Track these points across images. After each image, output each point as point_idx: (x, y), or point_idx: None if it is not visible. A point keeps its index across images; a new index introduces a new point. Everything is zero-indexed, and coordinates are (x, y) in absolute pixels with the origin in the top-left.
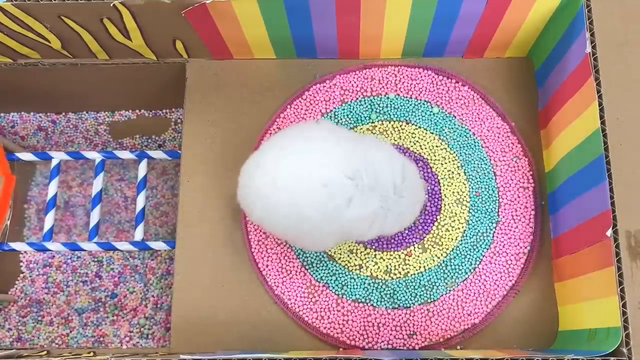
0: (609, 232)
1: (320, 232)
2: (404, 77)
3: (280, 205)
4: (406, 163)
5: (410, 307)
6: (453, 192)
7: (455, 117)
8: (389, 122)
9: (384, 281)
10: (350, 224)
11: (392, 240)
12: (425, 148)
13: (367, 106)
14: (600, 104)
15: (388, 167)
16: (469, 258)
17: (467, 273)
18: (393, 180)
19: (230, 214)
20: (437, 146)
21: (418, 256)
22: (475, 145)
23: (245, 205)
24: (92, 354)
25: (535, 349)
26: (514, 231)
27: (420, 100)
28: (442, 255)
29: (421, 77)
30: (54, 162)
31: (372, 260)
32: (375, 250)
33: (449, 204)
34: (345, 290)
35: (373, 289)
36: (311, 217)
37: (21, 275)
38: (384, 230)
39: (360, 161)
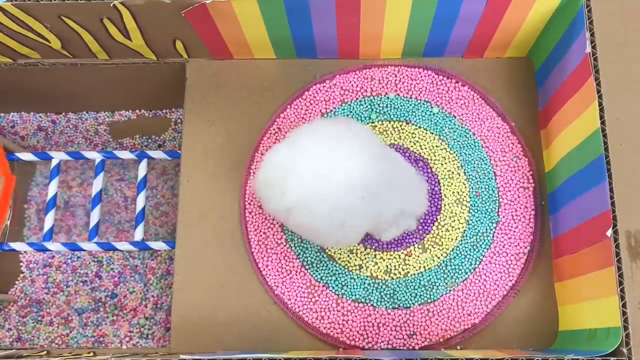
0: (609, 232)
1: (354, 223)
2: (404, 77)
3: (321, 193)
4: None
5: (410, 307)
6: (453, 192)
7: (455, 117)
8: (389, 122)
9: (384, 281)
10: (379, 214)
11: (392, 240)
12: (425, 148)
13: (367, 106)
14: (600, 104)
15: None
16: (469, 258)
17: (467, 273)
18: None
19: (230, 214)
20: (437, 146)
21: (418, 256)
22: (475, 145)
23: (274, 191)
24: (92, 354)
25: (535, 349)
26: (514, 231)
27: (420, 100)
28: (442, 255)
29: (421, 77)
30: (54, 162)
31: (372, 260)
32: (375, 250)
33: (449, 204)
34: (345, 290)
35: (373, 289)
36: (350, 205)
37: (21, 275)
38: (401, 225)
39: (389, 165)
